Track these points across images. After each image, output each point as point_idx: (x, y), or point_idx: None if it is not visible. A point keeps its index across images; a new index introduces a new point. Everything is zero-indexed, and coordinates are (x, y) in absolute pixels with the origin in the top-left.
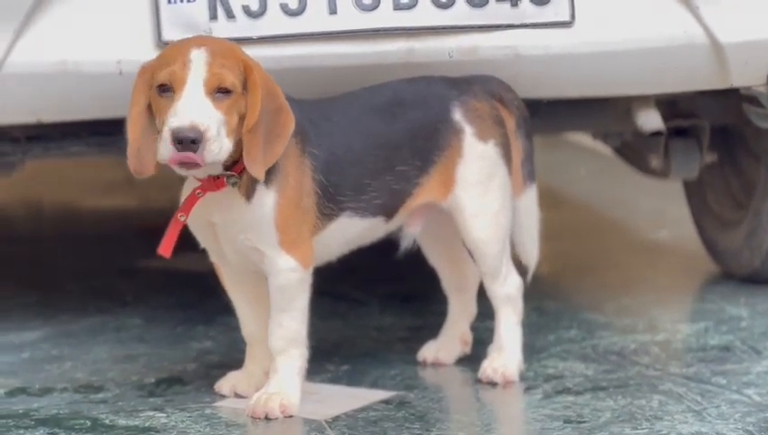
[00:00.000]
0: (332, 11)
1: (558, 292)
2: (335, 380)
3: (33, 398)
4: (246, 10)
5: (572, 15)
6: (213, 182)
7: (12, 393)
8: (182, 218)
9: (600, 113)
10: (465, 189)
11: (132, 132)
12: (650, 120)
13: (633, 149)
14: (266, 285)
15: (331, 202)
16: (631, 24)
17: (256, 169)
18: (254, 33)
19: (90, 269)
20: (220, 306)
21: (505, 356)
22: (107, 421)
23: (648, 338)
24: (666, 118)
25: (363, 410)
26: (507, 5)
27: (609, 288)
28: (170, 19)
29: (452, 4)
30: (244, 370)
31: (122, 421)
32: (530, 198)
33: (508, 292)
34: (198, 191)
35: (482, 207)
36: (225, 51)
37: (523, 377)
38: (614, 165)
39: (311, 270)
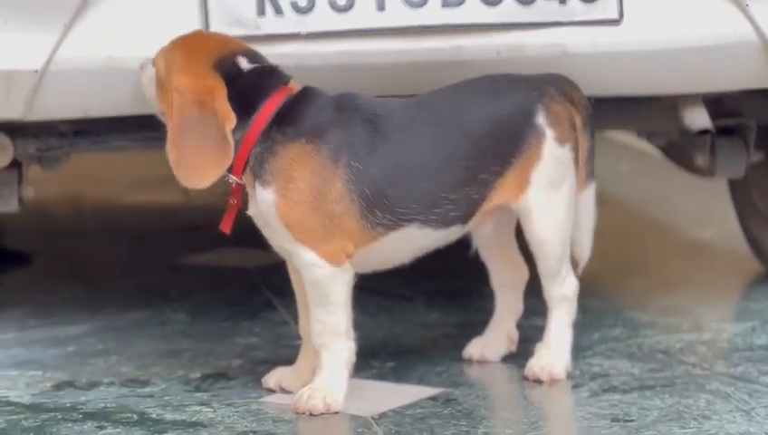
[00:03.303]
0: (381, 7)
1: (601, 290)
2: (381, 376)
3: (80, 391)
4: (294, 5)
5: (621, 13)
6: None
7: (59, 387)
8: (233, 202)
9: (646, 111)
10: (537, 191)
11: None
12: (698, 118)
13: (678, 148)
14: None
15: (388, 213)
16: (680, 22)
17: (185, 180)
18: (302, 29)
19: (134, 265)
20: (265, 302)
21: (553, 355)
22: (154, 416)
23: (694, 337)
24: (712, 116)
25: (410, 406)
26: (555, 3)
27: (652, 287)
28: (218, 14)
29: (500, 2)
30: (294, 365)
31: (169, 416)
32: (589, 194)
33: (565, 293)
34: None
35: (550, 209)
36: (177, 48)
37: (569, 375)
38: (656, 163)
39: (346, 266)
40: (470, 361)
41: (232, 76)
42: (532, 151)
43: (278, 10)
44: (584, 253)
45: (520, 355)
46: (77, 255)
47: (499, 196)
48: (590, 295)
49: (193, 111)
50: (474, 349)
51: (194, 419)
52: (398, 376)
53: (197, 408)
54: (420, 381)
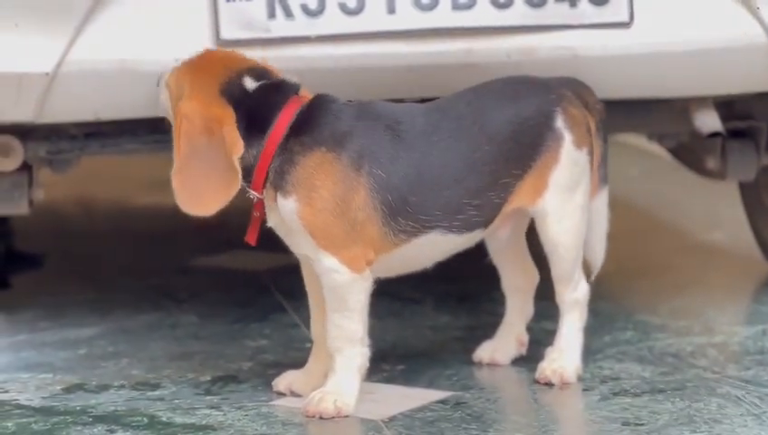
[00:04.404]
0: (391, 10)
1: (612, 293)
2: (391, 379)
3: (90, 394)
4: (305, 8)
5: (631, 16)
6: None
7: (69, 390)
8: (256, 214)
9: (657, 114)
10: (554, 195)
11: None
12: (709, 121)
13: (689, 151)
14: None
15: (411, 220)
16: (690, 25)
17: (189, 208)
18: (313, 32)
19: (145, 267)
20: (275, 304)
21: (565, 358)
22: (164, 419)
23: (705, 340)
24: (723, 119)
25: (420, 410)
26: (566, 6)
27: (663, 290)
28: (229, 17)
29: (510, 5)
30: (304, 368)
31: (179, 419)
32: (602, 199)
33: (577, 297)
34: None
35: (566, 212)
36: (184, 70)
37: (579, 379)
38: (665, 165)
39: (366, 274)
40: (480, 364)
41: (239, 99)
42: (550, 155)
43: (288, 13)
44: (598, 258)
45: (530, 358)
46: (88, 257)
47: (517, 199)
48: (600, 298)
49: (201, 138)
50: (484, 352)
51: (204, 422)
52: (407, 379)
53: (207, 411)
54: (430, 384)
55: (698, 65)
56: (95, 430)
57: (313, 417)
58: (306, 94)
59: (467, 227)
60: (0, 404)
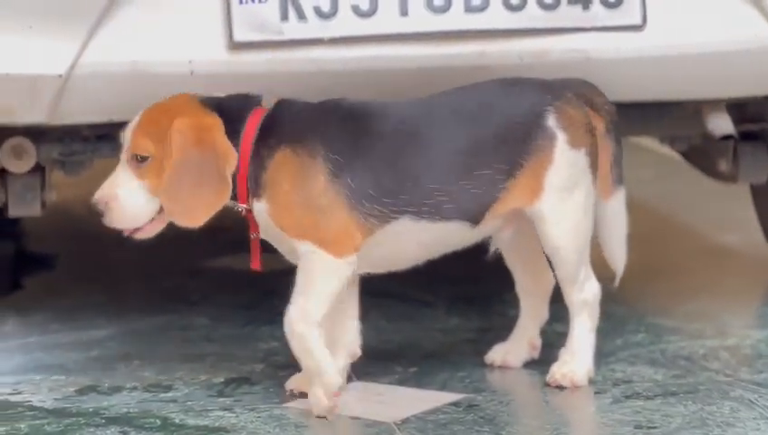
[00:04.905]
0: (404, 12)
1: (624, 296)
2: (403, 381)
3: (103, 396)
4: (318, 11)
5: (644, 19)
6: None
7: (82, 391)
8: (253, 236)
9: (669, 117)
10: (550, 196)
11: None
12: (721, 124)
13: (701, 153)
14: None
15: (376, 204)
16: (702, 28)
17: (180, 220)
18: (325, 34)
19: (156, 269)
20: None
21: (576, 361)
22: (177, 421)
23: (718, 343)
24: (735, 122)
25: (432, 412)
26: (579, 8)
27: (675, 292)
28: (242, 19)
29: (523, 7)
30: None
31: (192, 421)
32: (618, 201)
33: (585, 298)
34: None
35: (564, 214)
36: (158, 116)
37: (591, 381)
38: (679, 168)
39: (350, 259)
40: (492, 366)
41: (217, 108)
42: (543, 154)
43: (301, 15)
44: (619, 261)
45: (542, 361)
46: (99, 259)
47: (512, 199)
48: (612, 301)
49: (194, 150)
50: (496, 354)
51: (216, 424)
52: (420, 381)
53: (220, 413)
54: (443, 386)
55: (711, 68)
56: (108, 431)
57: (319, 416)
58: (268, 105)
59: (440, 214)
60: (13, 406)
